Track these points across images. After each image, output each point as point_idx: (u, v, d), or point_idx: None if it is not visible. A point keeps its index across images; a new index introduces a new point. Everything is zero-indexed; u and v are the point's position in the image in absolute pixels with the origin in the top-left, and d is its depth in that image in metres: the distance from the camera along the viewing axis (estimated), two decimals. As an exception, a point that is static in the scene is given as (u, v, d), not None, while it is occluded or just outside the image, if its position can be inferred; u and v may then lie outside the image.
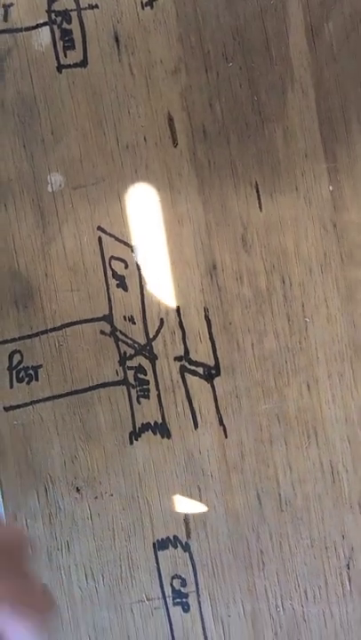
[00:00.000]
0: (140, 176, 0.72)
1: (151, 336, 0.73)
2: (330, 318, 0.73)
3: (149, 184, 0.72)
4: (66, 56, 0.70)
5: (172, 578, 0.74)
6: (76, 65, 0.70)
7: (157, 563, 0.73)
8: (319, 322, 0.73)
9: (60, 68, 0.70)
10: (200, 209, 0.73)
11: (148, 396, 0.72)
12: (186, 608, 0.73)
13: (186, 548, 0.73)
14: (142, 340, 0.72)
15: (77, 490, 0.73)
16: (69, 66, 0.70)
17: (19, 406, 0.73)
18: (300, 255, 0.73)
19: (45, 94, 0.71)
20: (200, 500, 0.73)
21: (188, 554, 0.73)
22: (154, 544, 0.73)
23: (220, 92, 0.72)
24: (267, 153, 0.72)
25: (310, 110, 0.72)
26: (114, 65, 0.70)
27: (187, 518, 0.73)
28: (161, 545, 0.73)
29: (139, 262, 0.73)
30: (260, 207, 0.73)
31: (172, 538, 0.73)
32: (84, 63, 0.70)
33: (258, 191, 0.73)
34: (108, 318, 0.72)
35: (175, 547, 0.73)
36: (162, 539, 0.73)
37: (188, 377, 0.73)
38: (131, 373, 0.72)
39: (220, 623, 0.74)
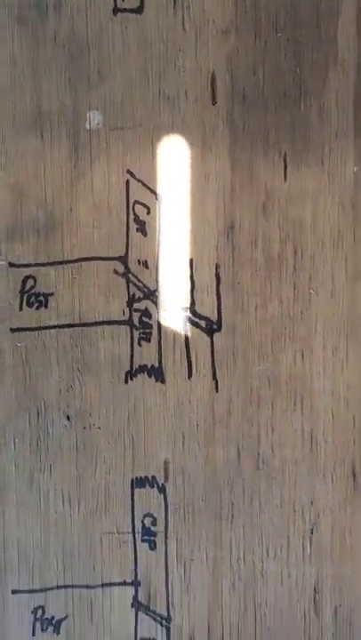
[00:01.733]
0: (176, 128, 0.75)
1: (162, 283, 0.75)
2: (334, 293, 0.75)
3: (183, 137, 0.75)
4: (123, 0, 0.72)
5: (145, 516, 0.78)
6: (131, 10, 0.72)
7: (132, 499, 0.77)
8: (323, 295, 0.76)
9: (115, 10, 0.72)
10: (228, 169, 0.75)
11: (149, 340, 0.75)
12: (152, 546, 0.77)
13: (162, 489, 0.76)
14: (152, 286, 0.75)
15: (68, 418, 0.76)
16: (125, 10, 0.73)
17: (25, 329, 0.76)
18: (316, 229, 0.76)
19: (98, 34, 0.74)
20: (183, 447, 0.77)
21: (162, 495, 0.77)
22: (132, 481, 0.77)
23: (265, 59, 0.74)
24: (300, 126, 0.75)
25: (348, 91, 0.74)
26: (168, 17, 0.73)
27: (167, 462, 0.76)
28: (139, 483, 0.76)
29: (161, 210, 0.75)
30: (285, 177, 0.76)
31: (150, 478, 0.76)
32: (139, 10, 0.72)
33: (285, 161, 0.76)
34: (124, 259, 0.75)
35: (152, 487, 0.76)
36: (140, 477, 0.76)
37: (190, 328, 0.76)
38: (136, 315, 0.75)
39: (182, 565, 0.77)
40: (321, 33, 0.77)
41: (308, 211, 0.79)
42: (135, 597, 0.79)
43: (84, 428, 0.79)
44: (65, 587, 0.80)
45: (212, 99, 0.77)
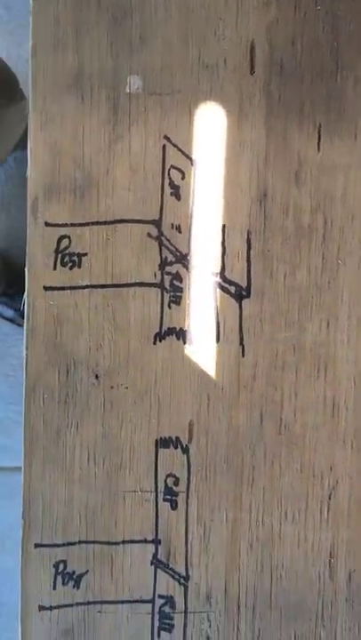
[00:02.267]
0: (214, 95, 0.76)
1: (193, 248, 0.77)
2: (360, 265, 0.77)
3: (220, 105, 0.77)
4: (168, -34, 0.74)
5: (167, 476, 0.79)
6: (176, -23, 0.74)
7: (156, 459, 0.78)
8: (351, 266, 0.78)
9: (160, -24, 0.74)
10: (263, 138, 0.77)
11: (179, 303, 0.77)
12: (174, 506, 0.78)
13: (185, 450, 0.78)
14: (185, 250, 0.77)
15: (96, 377, 0.77)
16: (169, -23, 0.74)
17: (58, 288, 0.77)
18: (346, 201, 0.78)
19: (140, 0, 0.74)
20: (207, 409, 0.78)
21: (186, 456, 0.78)
22: (156, 441, 0.78)
23: (303, 31, 0.76)
24: (335, 98, 0.77)
25: (385, 66, 0.75)
26: (212, -16, 0.74)
27: (191, 423, 0.78)
28: (163, 443, 0.78)
29: (196, 176, 0.76)
30: (319, 148, 0.77)
31: (174, 438, 0.78)
32: (184, -23, 0.74)
33: (319, 133, 0.77)
34: (157, 223, 0.77)
35: (176, 447, 0.78)
36: (165, 437, 0.78)
37: (220, 293, 0.78)
38: (168, 279, 0.77)
39: (202, 525, 0.79)
40: (359, 6, 0.78)
41: (339, 183, 0.81)
42: (155, 555, 0.81)
43: (112, 387, 0.80)
44: (87, 542, 0.82)
45: (251, 68, 0.79)
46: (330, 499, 0.84)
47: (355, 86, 0.80)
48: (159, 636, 0.83)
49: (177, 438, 0.82)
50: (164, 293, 0.81)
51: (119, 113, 0.80)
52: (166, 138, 0.80)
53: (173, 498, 0.83)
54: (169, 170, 0.80)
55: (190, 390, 0.82)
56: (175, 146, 0.80)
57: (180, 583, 0.83)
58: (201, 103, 0.80)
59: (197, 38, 0.79)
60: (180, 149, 0.80)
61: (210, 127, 0.80)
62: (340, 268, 0.82)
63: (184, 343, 0.82)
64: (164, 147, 0.80)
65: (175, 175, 0.81)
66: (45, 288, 0.81)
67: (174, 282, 0.81)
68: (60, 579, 0.83)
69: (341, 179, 0.81)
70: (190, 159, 0.80)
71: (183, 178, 0.81)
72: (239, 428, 0.83)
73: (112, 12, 0.79)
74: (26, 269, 0.81)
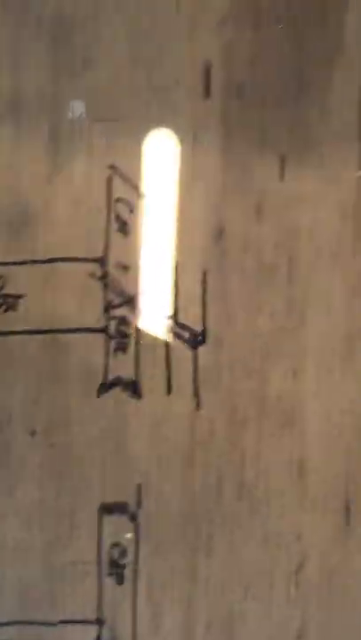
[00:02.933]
0: (165, 121, 0.69)
1: (142, 289, 0.68)
2: (331, 308, 0.69)
3: (172, 131, 0.69)
4: (114, -18, 0.67)
5: (112, 546, 0.70)
6: (122, -7, 0.67)
7: (100, 527, 0.69)
8: (319, 309, 0.69)
9: (105, -8, 0.67)
10: (219, 168, 0.69)
11: (126, 351, 0.68)
12: (120, 580, 0.69)
13: (133, 517, 0.69)
14: (133, 291, 0.69)
15: (33, 434, 0.68)
16: (115, -7, 0.67)
17: (-10, 333, 0.68)
18: (313, 235, 0.70)
19: (85, 18, 0.67)
20: (158, 470, 0.69)
21: (134, 524, 0.68)
22: (101, 506, 0.68)
23: (264, 52, 0.69)
24: (300, 125, 0.70)
25: (353, 90, 0.68)
26: (162, 0, 0.66)
27: (140, 486, 0.69)
28: (108, 509, 0.69)
29: (145, 210, 0.68)
30: (282, 178, 0.70)
31: (120, 504, 0.68)
32: (130, -7, 0.67)
33: (283, 161, 0.69)
34: (102, 261, 0.68)
35: (122, 514, 0.69)
36: (110, 502, 0.69)
37: (172, 339, 0.69)
38: (113, 323, 0.68)
39: (152, 604, 0.69)
40: (328, 26, 0.71)
41: (304, 216, 0.73)
42: (98, 638, 0.71)
43: (51, 445, 0.72)
44: (20, 623, 0.71)
45: (206, 92, 0.72)
46: (297, 573, 0.74)
47: (321, 112, 0.73)
48: None
49: (124, 503, 0.72)
50: (109, 340, 0.72)
51: (60, 141, 0.72)
52: (112, 168, 0.72)
53: (119, 571, 0.73)
54: (115, 203, 0.72)
55: (139, 449, 0.73)
56: (122, 177, 0.72)
57: (127, 670, 0.73)
58: (151, 130, 0.73)
59: (147, 59, 0.72)
60: (127, 181, 0.72)
61: (161, 156, 0.73)
62: (308, 309, 0.74)
63: (132, 395, 0.73)
64: (109, 178, 0.72)
65: (122, 209, 0.73)
66: (-24, 333, 0.72)
67: (121, 327, 0.73)
68: (-11, 665, 0.73)
69: (308, 211, 0.74)
70: (139, 191, 0.72)
71: (131, 212, 0.73)
72: (195, 492, 0.73)
73: (53, 31, 0.72)
74: None
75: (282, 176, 0.74)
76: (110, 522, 0.74)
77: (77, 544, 0.74)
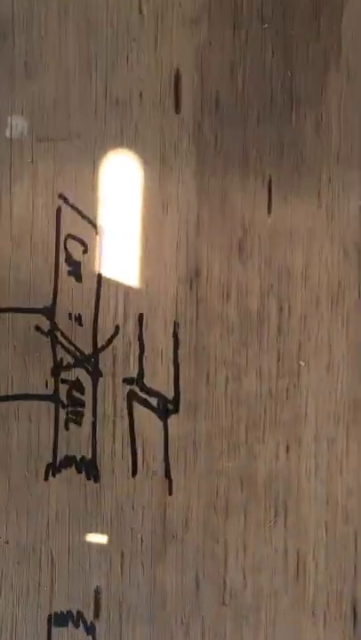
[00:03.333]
0: (126, 140, 0.56)
1: (100, 345, 0.56)
2: (331, 367, 0.56)
3: (135, 152, 0.57)
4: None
5: (66, 666, 0.55)
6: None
7: (49, 642, 0.54)
8: (317, 368, 0.57)
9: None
10: (193, 197, 0.57)
11: (79, 422, 0.55)
12: None
13: (90, 629, 0.55)
14: (87, 349, 0.55)
15: None
16: (64, -14, 0.54)
17: None
18: (309, 280, 0.57)
19: (27, 16, 0.54)
20: (121, 571, 0.55)
21: (91, 637, 0.54)
22: (50, 617, 0.55)
23: (245, 57, 0.57)
24: (290, 144, 0.57)
25: (354, 100, 0.56)
26: (119, -5, 0.54)
27: (98, 591, 0.56)
28: (59, 620, 0.55)
29: (102, 248, 0.55)
30: (269, 210, 0.57)
31: (74, 613, 0.55)
32: (82, -14, 0.54)
33: (270, 189, 0.58)
34: (50, 312, 0.55)
35: (77, 625, 0.56)
36: (61, 612, 0.55)
37: (137, 407, 0.56)
38: (64, 388, 0.55)
39: None
40: (321, 25, 0.60)
41: (298, 255, 0.60)
42: None
43: (-13, 540, 0.57)
44: None
45: (176, 105, 0.60)
46: None
47: (316, 128, 0.60)
48: None
49: (78, 613, 0.59)
50: (60, 409, 0.59)
51: (-3, 165, 0.59)
52: (62, 198, 0.60)
53: None
54: (65, 240, 0.60)
55: (97, 544, 0.59)
56: (74, 208, 0.60)
57: None
58: (108, 151, 0.60)
59: (103, 65, 0.60)
60: (80, 213, 0.59)
61: (121, 183, 0.60)
62: (303, 371, 0.61)
63: (88, 478, 0.60)
64: (58, 210, 0.59)
65: (74, 248, 0.60)
66: None
67: (74, 393, 0.59)
68: None
69: (301, 250, 0.61)
70: (95, 226, 0.60)
71: (85, 252, 0.60)
72: (167, 596, 0.60)
73: (-13, 32, 0.59)
74: None
75: (269, 206, 0.61)
76: (62, 636, 0.60)
77: (21, 665, 0.59)
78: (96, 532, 0.60)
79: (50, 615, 0.60)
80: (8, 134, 0.60)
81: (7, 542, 0.59)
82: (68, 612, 0.60)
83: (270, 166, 0.61)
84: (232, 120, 0.61)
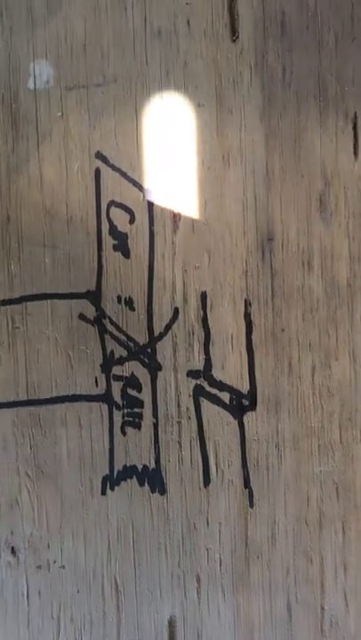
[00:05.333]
0: (174, 80, 0.47)
1: (157, 333, 0.46)
2: None
3: (186, 94, 0.45)
4: None
5: None
6: None
7: None
8: None
9: None
10: (260, 143, 0.46)
11: (139, 425, 0.47)
12: None
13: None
14: (142, 338, 0.46)
15: (13, 551, 0.46)
16: None
17: None
18: None
19: None
20: (198, 599, 0.47)
21: None
22: None
23: None
24: (379, 68, 0.45)
25: None
26: None
27: (173, 621, 0.47)
28: None
29: (152, 215, 0.45)
30: (356, 153, 0.45)
31: (143, 652, 0.47)
32: None
33: (355, 127, 0.45)
34: (94, 296, 0.46)
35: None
36: (131, 649, 0.47)
37: (206, 405, 0.47)
38: (117, 386, 0.47)
39: None
40: None
41: (395, 208, 0.48)
42: None
43: (39, 567, 0.51)
44: None
45: (232, 31, 0.48)
46: None
47: None
48: None
49: (149, 649, 0.50)
50: (114, 411, 0.51)
51: (21, 123, 0.50)
52: (100, 157, 0.50)
53: None
54: (108, 208, 0.50)
55: (167, 567, 0.51)
56: (116, 169, 0.50)
57: None
58: (153, 96, 0.50)
59: (140, -10, 0.49)
60: (123, 174, 0.49)
61: (170, 134, 0.49)
62: None
63: (152, 490, 0.51)
64: (97, 172, 0.50)
65: (119, 217, 0.50)
66: None
67: (129, 391, 0.51)
68: None
69: None
70: (141, 189, 0.50)
71: (132, 220, 0.50)
72: (253, 626, 0.51)
73: None
74: None
75: (355, 148, 0.50)
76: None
77: None
78: (166, 553, 0.51)
79: (117, 650, 0.51)
80: (31, 85, 0.50)
81: (63, 567, 0.51)
82: (139, 647, 0.51)
83: (355, 99, 0.50)
84: (303, 45, 0.50)
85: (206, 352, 0.51)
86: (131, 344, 0.51)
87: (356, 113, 0.51)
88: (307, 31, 0.51)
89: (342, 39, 0.50)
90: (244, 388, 0.51)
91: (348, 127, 0.51)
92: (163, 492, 0.52)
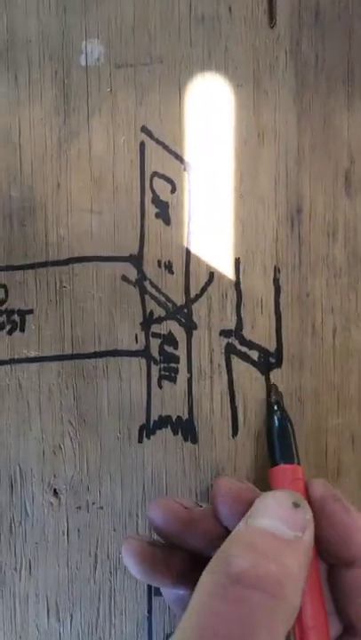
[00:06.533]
0: (215, 62, 0.49)
1: (193, 295, 0.50)
2: None
3: (226, 76, 0.49)
4: None
5: (168, 636, 0.51)
6: None
7: (150, 613, 0.51)
8: None
9: None
10: (293, 123, 0.49)
11: (174, 379, 0.50)
12: None
13: (193, 598, 0.48)
14: (179, 299, 0.49)
15: (55, 493, 0.51)
16: None
17: (-8, 363, 0.51)
18: None
19: None
20: (224, 537, 0.49)
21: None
22: (149, 586, 0.50)
23: None
24: None
25: None
26: None
27: None
28: (158, 590, 0.49)
29: (191, 186, 0.48)
30: (380, 135, 0.49)
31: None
32: None
33: None
34: (137, 260, 0.49)
35: (178, 594, 0.50)
36: (161, 580, 0.50)
37: (236, 361, 0.50)
38: (155, 343, 0.50)
39: None
40: None
41: None
42: None
43: (79, 507, 0.54)
44: None
45: (270, 17, 0.52)
46: None
47: None
48: None
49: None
50: (152, 365, 0.54)
51: (73, 97, 0.53)
52: (145, 131, 0.53)
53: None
54: (152, 179, 0.54)
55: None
56: (160, 143, 0.53)
57: None
58: (196, 76, 0.53)
59: (186, -23, 0.52)
60: (166, 148, 0.53)
61: (210, 112, 0.52)
62: None
63: (185, 439, 0.54)
64: (142, 145, 0.53)
65: (161, 187, 0.53)
66: (-26, 364, 0.54)
67: (166, 347, 0.54)
68: None
69: None
70: (183, 162, 0.53)
71: (173, 190, 0.53)
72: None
73: None
74: None
75: (379, 131, 0.53)
76: (163, 606, 0.56)
77: (121, 634, 0.56)
78: (196, 496, 0.56)
79: (150, 586, 0.56)
80: (83, 62, 0.53)
81: (102, 508, 0.55)
82: (168, 580, 0.56)
83: (380, 84, 0.54)
84: (335, 32, 0.54)
85: (238, 313, 0.55)
86: (169, 304, 0.55)
87: (381, 98, 0.55)
88: (338, 21, 0.55)
89: (371, 29, 0.54)
90: (272, 346, 0.56)
91: (373, 110, 0.55)
92: (195, 440, 0.56)
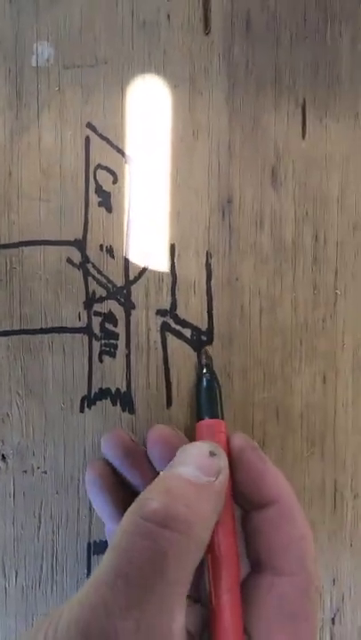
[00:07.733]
0: (154, 64, 0.54)
1: (132, 277, 0.54)
2: (368, 295, 0.54)
3: (164, 77, 0.53)
4: None
5: (105, 592, 0.54)
6: None
7: (89, 569, 0.55)
8: (354, 297, 0.55)
9: None
10: (224, 121, 0.54)
11: (113, 354, 0.54)
12: None
13: (129, 557, 0.53)
14: (119, 281, 0.54)
15: (3, 457, 0.56)
16: None
17: None
18: (346, 206, 0.54)
19: None
20: (158, 500, 0.53)
21: (130, 565, 0.53)
22: (89, 545, 0.55)
23: (278, -28, 0.53)
24: (325, 64, 0.54)
25: (392, 16, 0.53)
26: None
27: None
28: (98, 547, 0.55)
29: (132, 177, 0.53)
30: (304, 134, 0.54)
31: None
32: None
33: (304, 112, 0.55)
34: (81, 244, 0.54)
35: (115, 553, 0.53)
36: (100, 540, 0.55)
37: (171, 338, 0.55)
38: (97, 321, 0.54)
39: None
40: None
41: (334, 181, 0.58)
42: None
43: (25, 471, 0.59)
44: None
45: (205, 25, 0.56)
46: (333, 623, 0.61)
47: (352, 44, 0.57)
48: None
49: (117, 541, 0.58)
50: (94, 341, 0.59)
51: (24, 94, 0.58)
52: (90, 127, 0.58)
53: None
54: (95, 171, 0.58)
55: (133, 474, 0.58)
56: (103, 138, 0.58)
57: None
58: (137, 76, 0.57)
59: (129, -13, 0.57)
60: (109, 142, 0.58)
61: (150, 110, 0.57)
62: (339, 300, 0.59)
63: (123, 409, 0.59)
64: (87, 139, 0.58)
65: (104, 178, 0.58)
66: None
67: (106, 325, 0.58)
68: None
69: (337, 175, 0.59)
70: (124, 155, 0.58)
71: (115, 181, 0.58)
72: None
73: None
74: None
75: (303, 130, 0.59)
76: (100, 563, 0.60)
77: (62, 589, 0.60)
78: (132, 462, 0.60)
79: (89, 543, 0.61)
80: (34, 63, 0.58)
81: (45, 472, 0.60)
82: (106, 541, 0.60)
83: (304, 87, 0.60)
84: (263, 40, 0.59)
85: (173, 295, 0.60)
86: (110, 285, 0.60)
87: (305, 100, 0.59)
88: (267, 29, 0.60)
89: (296, 37, 0.59)
90: (204, 325, 0.61)
91: (297, 111, 0.60)
92: (132, 411, 0.61)
